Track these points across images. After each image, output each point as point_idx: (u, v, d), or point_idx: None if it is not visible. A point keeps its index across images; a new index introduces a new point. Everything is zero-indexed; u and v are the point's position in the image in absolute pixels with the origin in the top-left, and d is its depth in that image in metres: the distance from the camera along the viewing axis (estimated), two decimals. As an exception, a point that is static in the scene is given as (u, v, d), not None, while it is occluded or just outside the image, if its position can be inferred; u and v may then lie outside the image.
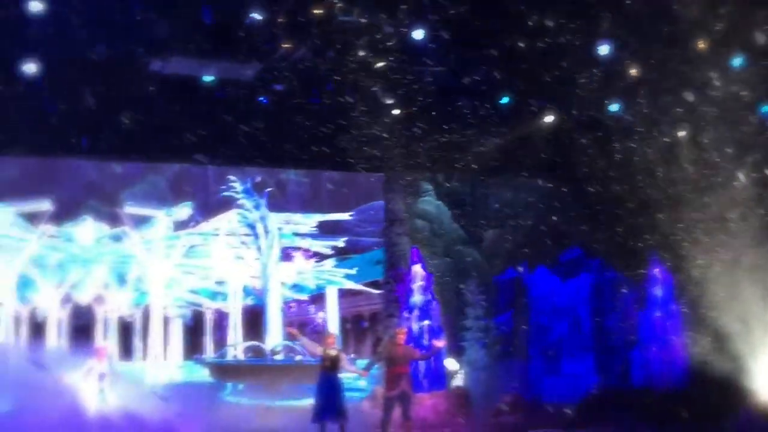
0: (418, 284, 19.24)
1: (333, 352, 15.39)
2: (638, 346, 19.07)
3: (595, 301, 20.30)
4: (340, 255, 22.46)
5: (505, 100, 18.93)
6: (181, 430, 12.96)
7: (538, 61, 17.15)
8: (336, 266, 22.54)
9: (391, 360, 15.24)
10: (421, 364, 17.71)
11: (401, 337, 15.69)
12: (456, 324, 20.43)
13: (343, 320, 22.52)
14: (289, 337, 19.15)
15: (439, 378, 18.37)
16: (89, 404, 15.16)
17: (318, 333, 20.80)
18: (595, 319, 20.24)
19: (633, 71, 17.74)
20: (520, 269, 21.12)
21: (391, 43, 16.85)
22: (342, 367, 14.65)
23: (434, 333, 18.61)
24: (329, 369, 15.21)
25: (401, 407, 15.31)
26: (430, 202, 22.28)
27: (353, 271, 22.22)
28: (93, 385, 15.41)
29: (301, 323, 23.28)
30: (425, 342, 18.23)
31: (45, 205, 21.14)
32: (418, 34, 16.44)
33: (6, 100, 17.78)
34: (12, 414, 14.81)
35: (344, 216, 22.19)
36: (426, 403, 17.15)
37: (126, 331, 21.58)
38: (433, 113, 18.86)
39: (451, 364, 19.52)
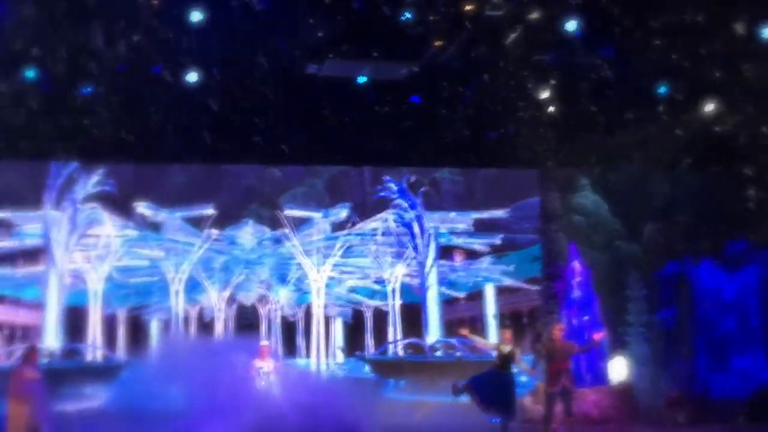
0: (576, 280, 18.93)
1: (507, 348, 15.40)
2: (812, 341, 18.25)
3: (764, 293, 19.49)
4: (497, 252, 22.35)
5: (663, 89, 18.42)
6: (345, 426, 13.10)
7: (698, 49, 16.65)
8: (493, 263, 22.44)
9: (551, 356, 15.11)
10: (582, 359, 17.41)
11: (559, 333, 15.53)
12: (617, 319, 19.94)
13: (501, 317, 22.40)
14: (461, 336, 19.09)
15: (601, 373, 18.01)
16: (258, 400, 15.60)
17: (477, 331, 20.77)
18: (765, 313, 19.43)
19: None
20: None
21: (544, 36, 16.67)
22: (515, 363, 14.66)
23: (594, 328, 18.28)
24: (502, 366, 15.25)
25: (563, 403, 15.16)
26: (587, 197, 21.82)
27: (510, 268, 22.06)
28: (260, 382, 15.83)
29: (459, 321, 23.31)
30: (586, 338, 17.93)
31: (209, 211, 21.92)
32: (572, 26, 16.17)
33: (170, 110, 18.53)
34: (188, 405, 15.40)
35: (500, 213, 22.07)
36: (588, 398, 16.86)
37: (289, 329, 22.14)
38: (589, 106, 18.55)
39: (614, 359, 19.14)
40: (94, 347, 20.99)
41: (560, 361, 15.08)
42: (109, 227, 21.59)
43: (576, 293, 19.03)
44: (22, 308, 21.75)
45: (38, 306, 21.51)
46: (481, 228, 22.41)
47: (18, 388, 14.86)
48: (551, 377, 15.13)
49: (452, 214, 22.56)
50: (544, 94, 18.52)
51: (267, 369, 15.77)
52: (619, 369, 18.96)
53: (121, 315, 21.80)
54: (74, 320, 21.70)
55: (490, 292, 22.44)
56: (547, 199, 21.05)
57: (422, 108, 19.48)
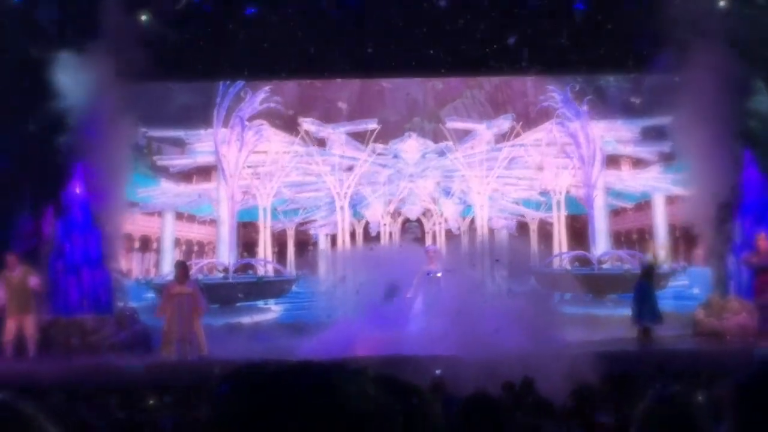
0: (752, 187, 18.27)
1: (648, 259, 15.74)
2: None
3: None
4: (666, 161, 21.65)
5: None
6: (511, 335, 13.20)
7: None
8: (662, 172, 21.79)
9: (760, 266, 14.98)
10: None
11: (764, 243, 15.26)
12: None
13: (672, 227, 21.78)
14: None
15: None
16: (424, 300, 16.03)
17: (646, 242, 20.38)
18: None
19: None
20: None
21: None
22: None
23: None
24: (643, 276, 15.66)
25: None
26: (762, 102, 20.81)
27: (680, 177, 21.33)
28: (426, 283, 16.21)
29: (627, 232, 22.87)
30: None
31: (373, 125, 22.10)
32: None
33: (328, 24, 18.65)
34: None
35: (669, 120, 21.28)
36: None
37: (454, 242, 22.19)
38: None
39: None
40: (265, 262, 21.67)
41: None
42: (276, 144, 22.08)
43: (752, 201, 18.38)
44: (197, 224, 22.61)
45: (212, 222, 22.36)
46: (649, 135, 21.71)
47: (166, 302, 15.84)
48: (759, 289, 14.97)
49: (618, 123, 21.92)
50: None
51: (436, 272, 16.16)
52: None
53: (290, 230, 22.33)
54: (246, 236, 22.48)
55: (659, 202, 21.79)
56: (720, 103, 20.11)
57: (585, 14, 18.95)
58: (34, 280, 15.84)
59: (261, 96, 21.57)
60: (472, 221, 22.40)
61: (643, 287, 16.35)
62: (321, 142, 22.37)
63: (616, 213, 22.60)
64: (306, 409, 1.21)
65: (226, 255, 21.21)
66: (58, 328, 16.42)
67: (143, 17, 18.42)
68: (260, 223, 21.96)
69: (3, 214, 17.31)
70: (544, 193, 22.39)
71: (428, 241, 22.03)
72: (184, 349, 15.59)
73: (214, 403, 1.34)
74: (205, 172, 22.49)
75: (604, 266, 21.14)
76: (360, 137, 22.25)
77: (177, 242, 22.43)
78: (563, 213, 22.05)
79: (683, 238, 21.47)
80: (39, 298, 16.22)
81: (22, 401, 1.65)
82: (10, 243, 16.84)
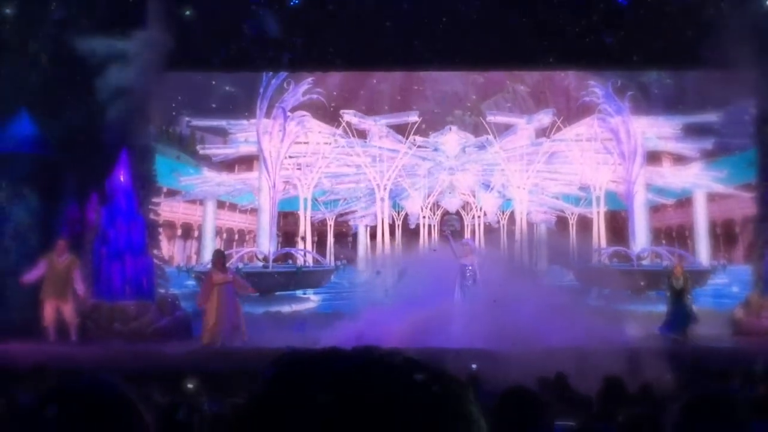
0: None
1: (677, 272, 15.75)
2: None
3: None
4: (708, 158, 21.50)
5: None
6: (542, 331, 13.24)
7: None
8: (704, 169, 21.63)
9: None
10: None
11: None
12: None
13: (712, 225, 21.63)
14: None
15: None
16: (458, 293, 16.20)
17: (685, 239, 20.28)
18: None
19: None
20: None
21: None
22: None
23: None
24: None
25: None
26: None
27: (722, 174, 21.18)
28: (460, 276, 16.35)
29: (667, 228, 22.75)
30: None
31: (413, 118, 22.17)
32: None
33: (366, 17, 18.72)
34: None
35: (711, 117, 21.12)
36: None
37: (492, 236, 22.20)
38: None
39: None
40: (305, 252, 21.83)
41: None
42: (318, 135, 22.23)
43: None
44: (238, 213, 22.86)
45: (253, 211, 22.57)
46: (691, 132, 21.56)
47: (208, 291, 15.97)
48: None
49: (660, 119, 21.79)
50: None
51: (470, 264, 16.28)
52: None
53: (330, 221, 22.49)
54: (286, 226, 22.67)
55: (700, 199, 21.64)
56: (763, 101, 20.00)
57: (629, 10, 18.87)
58: (79, 285, 16.18)
59: (303, 87, 21.73)
60: (512, 215, 22.41)
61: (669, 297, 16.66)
62: (362, 134, 22.47)
63: (656, 209, 22.48)
64: (336, 395, 1.25)
65: (266, 244, 21.41)
66: (100, 314, 16.67)
67: (187, 10, 18.62)
68: (300, 213, 22.13)
69: (49, 200, 17.60)
70: (583, 188, 22.33)
71: (467, 233, 22.09)
72: (234, 335, 15.80)
73: (256, 387, 1.38)
74: (247, 161, 22.72)
75: (643, 263, 21.03)
76: (401, 130, 22.33)
77: (218, 230, 22.69)
78: (603, 208, 21.97)
79: (723, 236, 21.34)
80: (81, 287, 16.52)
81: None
82: (56, 229, 17.12)
